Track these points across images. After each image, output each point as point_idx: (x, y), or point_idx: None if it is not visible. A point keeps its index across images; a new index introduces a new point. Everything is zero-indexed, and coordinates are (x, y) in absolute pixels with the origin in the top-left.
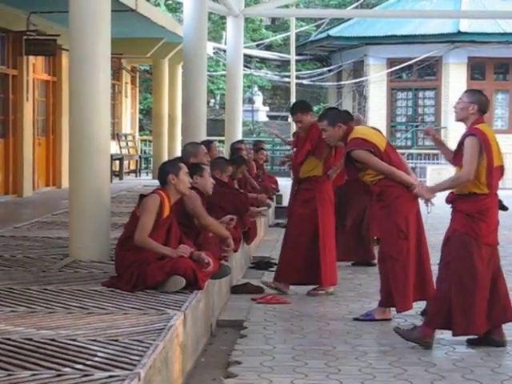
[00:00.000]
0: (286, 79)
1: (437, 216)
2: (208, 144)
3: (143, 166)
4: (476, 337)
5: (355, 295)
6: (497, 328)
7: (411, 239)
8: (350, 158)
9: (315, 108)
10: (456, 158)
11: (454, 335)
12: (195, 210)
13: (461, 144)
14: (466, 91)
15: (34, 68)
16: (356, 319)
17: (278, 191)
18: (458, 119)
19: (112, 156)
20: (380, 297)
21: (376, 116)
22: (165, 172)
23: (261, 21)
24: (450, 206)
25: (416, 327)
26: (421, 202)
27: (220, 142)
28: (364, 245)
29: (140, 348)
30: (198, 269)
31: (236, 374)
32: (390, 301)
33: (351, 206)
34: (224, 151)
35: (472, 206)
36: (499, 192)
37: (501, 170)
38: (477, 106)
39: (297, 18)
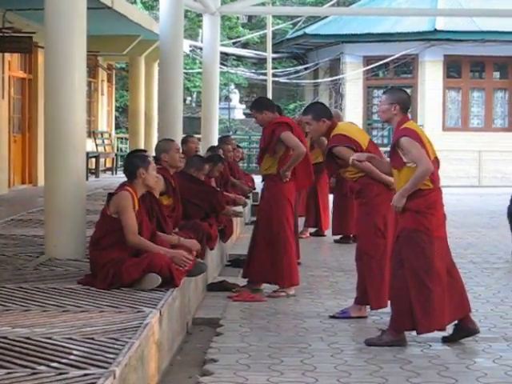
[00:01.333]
0: (263, 77)
1: None
2: (186, 138)
3: (119, 163)
4: (450, 334)
5: (331, 293)
6: (465, 317)
7: (389, 237)
8: (332, 155)
9: (291, 106)
10: (394, 161)
11: (418, 333)
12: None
13: (394, 147)
14: (385, 91)
15: (10, 65)
16: (332, 317)
17: (255, 189)
18: (383, 121)
19: (88, 154)
20: (356, 294)
21: (352, 114)
22: (134, 165)
23: (237, 18)
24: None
25: (384, 331)
26: None
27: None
28: None
29: (115, 346)
30: (174, 266)
31: (212, 372)
32: (366, 298)
33: None
34: (201, 149)
35: (419, 202)
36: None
37: (437, 162)
38: (398, 105)
39: (273, 16)
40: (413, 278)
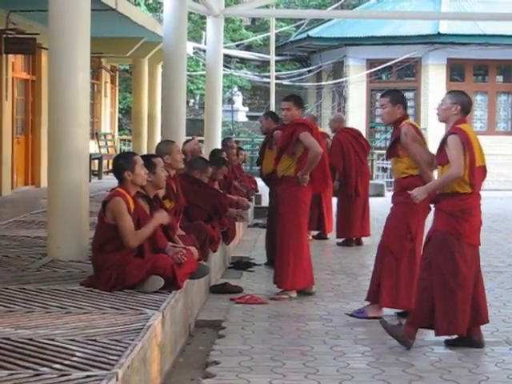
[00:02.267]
0: (266, 79)
1: None
2: (189, 140)
3: None
4: (454, 337)
5: (333, 296)
6: (475, 329)
7: (417, 242)
8: (397, 142)
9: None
10: (439, 156)
11: (436, 335)
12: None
13: (443, 143)
14: (448, 92)
15: (14, 67)
16: (350, 315)
17: (257, 191)
18: (441, 120)
19: (91, 155)
20: (368, 290)
21: (355, 117)
22: (120, 168)
23: (241, 21)
24: (433, 205)
25: (401, 325)
26: None
27: (199, 141)
28: None
29: (118, 348)
30: (178, 267)
31: (214, 375)
32: (378, 297)
33: None
34: (204, 151)
35: (454, 205)
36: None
37: (483, 170)
38: (460, 106)
39: (277, 19)
40: (439, 280)
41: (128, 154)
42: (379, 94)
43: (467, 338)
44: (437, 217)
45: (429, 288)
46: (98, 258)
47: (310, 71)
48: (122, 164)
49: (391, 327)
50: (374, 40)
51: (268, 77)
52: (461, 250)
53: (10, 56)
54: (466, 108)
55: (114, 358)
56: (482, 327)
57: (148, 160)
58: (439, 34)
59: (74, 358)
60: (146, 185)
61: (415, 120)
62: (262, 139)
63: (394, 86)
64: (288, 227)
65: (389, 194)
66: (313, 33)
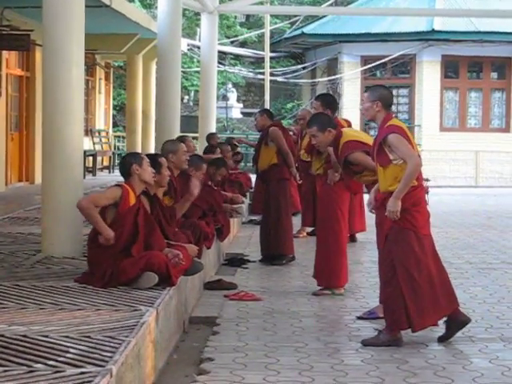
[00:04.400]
0: (261, 76)
1: None
2: (182, 138)
3: (116, 162)
4: (445, 331)
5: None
6: (454, 311)
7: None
8: (347, 162)
9: (289, 105)
10: (380, 158)
11: (413, 332)
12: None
13: (380, 144)
14: (367, 89)
15: (8, 63)
16: (359, 318)
17: (252, 188)
18: (368, 119)
19: (85, 152)
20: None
21: (350, 113)
22: (128, 163)
23: (235, 17)
24: (381, 204)
25: (381, 331)
26: None
27: (194, 138)
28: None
29: (112, 344)
30: (172, 265)
31: (208, 371)
32: None
33: None
34: (198, 148)
35: (405, 199)
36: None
37: (419, 158)
38: (380, 102)
39: (271, 15)
40: (404, 277)
41: (136, 152)
42: None
43: (454, 321)
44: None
45: (397, 287)
46: (91, 252)
47: (304, 68)
48: (130, 159)
49: (373, 341)
50: (369, 37)
51: (262, 73)
52: (419, 242)
53: (4, 52)
54: (387, 102)
55: (108, 354)
56: (476, 324)
57: (154, 159)
58: (434, 31)
59: (68, 355)
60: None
61: (409, 117)
62: (257, 136)
63: (389, 83)
64: (324, 226)
65: None
66: (307, 29)
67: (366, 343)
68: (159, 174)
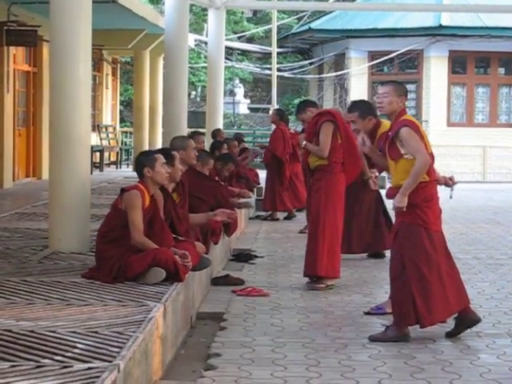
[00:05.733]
0: (268, 72)
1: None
2: (195, 135)
3: (124, 157)
4: (453, 327)
5: (335, 288)
6: (465, 308)
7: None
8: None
9: (296, 101)
10: (391, 152)
11: (421, 327)
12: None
13: (392, 137)
14: (387, 83)
15: (15, 59)
16: (367, 313)
17: (259, 184)
18: (387, 113)
19: (92, 147)
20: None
21: None
22: (140, 164)
23: (242, 13)
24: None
25: (388, 327)
26: (442, 187)
27: (201, 134)
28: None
29: (120, 340)
30: (179, 261)
31: (216, 366)
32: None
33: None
34: (206, 143)
35: (416, 195)
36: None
37: (432, 157)
38: (405, 98)
39: (278, 11)
40: (414, 273)
41: (150, 151)
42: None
43: (464, 319)
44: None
45: (406, 283)
46: (101, 247)
47: (311, 63)
48: (143, 160)
49: (381, 336)
50: (376, 32)
51: (269, 69)
52: (430, 238)
53: (12, 48)
54: (406, 99)
55: (116, 349)
56: (484, 320)
57: (167, 153)
58: (441, 26)
59: (76, 350)
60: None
61: (416, 113)
62: (265, 132)
63: (396, 79)
64: (323, 215)
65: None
66: (314, 25)
67: (373, 339)
68: (173, 167)
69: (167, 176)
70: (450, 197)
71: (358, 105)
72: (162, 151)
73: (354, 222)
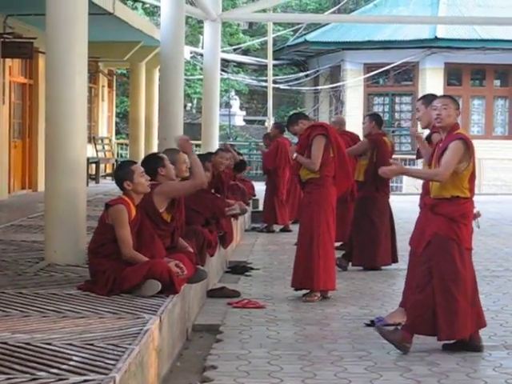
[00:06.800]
0: (263, 84)
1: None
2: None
3: None
4: (452, 341)
5: (330, 300)
6: (477, 333)
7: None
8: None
9: (292, 113)
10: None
11: (438, 340)
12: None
13: (445, 149)
14: (447, 97)
15: (11, 71)
16: (368, 325)
17: (255, 195)
18: (443, 125)
19: (88, 159)
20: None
21: (353, 121)
22: (119, 180)
23: (238, 25)
24: (429, 209)
25: (397, 330)
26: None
27: (197, 146)
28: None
29: (115, 352)
30: (174, 273)
31: (212, 379)
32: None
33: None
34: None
35: (456, 209)
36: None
37: (474, 176)
38: (459, 112)
39: (274, 23)
40: (441, 286)
41: (126, 164)
42: (376, 98)
43: (468, 342)
44: (435, 221)
45: (430, 296)
46: (94, 262)
47: (307, 75)
48: (120, 175)
49: (388, 332)
50: (372, 44)
51: (265, 81)
52: (461, 254)
53: (8, 60)
54: (459, 112)
55: (112, 362)
56: (480, 332)
57: (156, 157)
58: (436, 39)
59: (71, 363)
60: (160, 179)
61: (412, 125)
62: (260, 143)
63: (392, 91)
64: (316, 228)
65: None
66: (310, 37)
67: (379, 330)
68: (164, 168)
69: (148, 184)
70: (478, 226)
71: (425, 96)
72: (149, 157)
73: (379, 236)
